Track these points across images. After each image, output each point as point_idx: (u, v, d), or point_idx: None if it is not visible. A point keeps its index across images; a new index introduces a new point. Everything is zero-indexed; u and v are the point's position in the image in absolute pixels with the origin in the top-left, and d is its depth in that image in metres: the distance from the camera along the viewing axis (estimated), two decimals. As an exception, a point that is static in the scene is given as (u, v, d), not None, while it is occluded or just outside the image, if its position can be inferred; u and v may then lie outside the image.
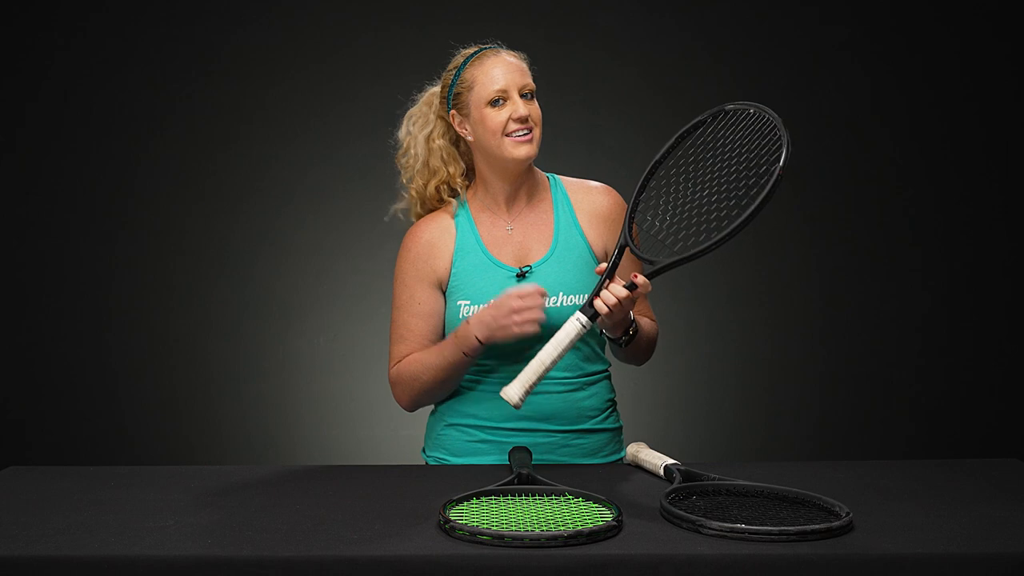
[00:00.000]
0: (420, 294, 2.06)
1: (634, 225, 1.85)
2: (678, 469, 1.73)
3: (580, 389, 2.06)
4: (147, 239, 3.81)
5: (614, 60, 3.82)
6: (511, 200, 2.09)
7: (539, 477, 1.70)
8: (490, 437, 2.04)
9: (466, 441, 2.07)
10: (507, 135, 1.99)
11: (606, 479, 1.81)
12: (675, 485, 1.64)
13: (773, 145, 1.68)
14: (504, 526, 1.47)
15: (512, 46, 2.08)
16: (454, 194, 2.12)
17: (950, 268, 3.82)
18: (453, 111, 2.06)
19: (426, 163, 2.12)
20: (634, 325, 1.95)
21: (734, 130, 1.77)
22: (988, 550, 1.41)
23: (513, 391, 1.73)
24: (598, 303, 1.76)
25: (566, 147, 3.61)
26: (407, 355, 2.06)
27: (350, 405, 3.84)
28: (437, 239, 2.08)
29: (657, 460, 1.82)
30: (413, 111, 2.16)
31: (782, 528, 1.43)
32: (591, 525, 1.46)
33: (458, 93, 2.04)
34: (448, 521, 1.46)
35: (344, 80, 3.81)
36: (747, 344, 3.87)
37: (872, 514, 1.54)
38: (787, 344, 3.87)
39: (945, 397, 3.83)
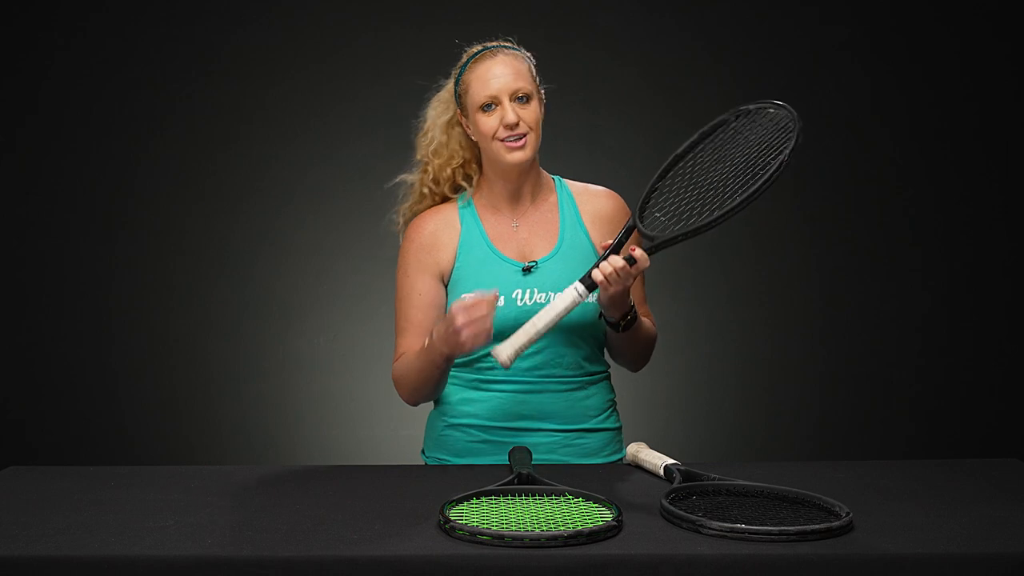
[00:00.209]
0: (421, 285, 2.07)
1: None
2: (678, 469, 1.73)
3: (581, 388, 2.06)
4: (147, 239, 3.81)
5: (614, 60, 3.82)
6: (515, 198, 2.09)
7: (539, 477, 1.70)
8: (490, 437, 2.05)
9: (466, 441, 2.07)
10: (499, 140, 2.00)
11: (606, 479, 1.81)
12: (675, 485, 1.65)
13: (784, 138, 1.70)
14: (504, 526, 1.47)
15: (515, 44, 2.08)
16: (467, 180, 2.12)
17: (950, 268, 3.82)
18: (458, 109, 2.08)
19: (445, 145, 2.12)
20: (633, 311, 1.95)
21: (751, 127, 1.79)
22: (988, 550, 1.41)
23: (503, 350, 1.74)
24: (595, 272, 1.78)
25: (566, 147, 3.61)
26: (406, 349, 2.06)
27: (350, 405, 3.84)
28: (441, 231, 2.09)
29: (657, 460, 1.82)
30: (440, 95, 2.15)
31: (782, 528, 1.43)
32: (591, 525, 1.46)
33: (460, 94, 2.06)
34: (448, 521, 1.46)
35: (344, 80, 3.81)
36: (747, 344, 3.87)
37: (872, 514, 1.54)
38: (787, 344, 3.86)
39: (945, 397, 3.83)
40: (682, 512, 1.50)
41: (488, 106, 2.00)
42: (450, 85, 2.12)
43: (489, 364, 2.04)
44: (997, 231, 3.82)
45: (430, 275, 2.07)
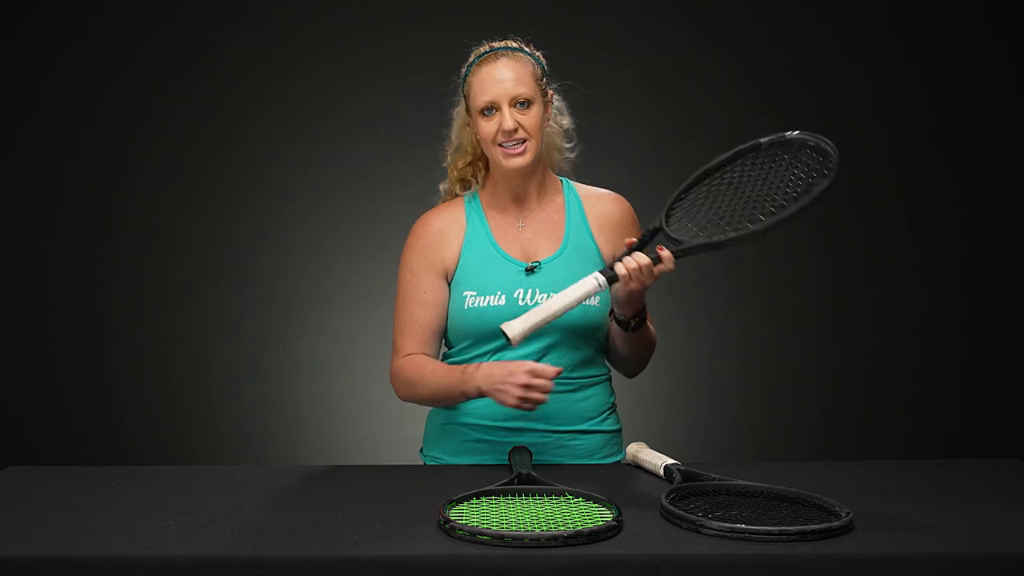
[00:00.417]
0: (426, 283, 2.07)
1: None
2: (678, 469, 1.73)
3: (578, 390, 2.06)
4: (147, 239, 3.81)
5: (614, 60, 3.82)
6: (521, 198, 2.09)
7: (539, 477, 1.70)
8: (486, 437, 2.05)
9: (462, 440, 2.07)
10: (498, 145, 2.00)
11: (606, 479, 1.81)
12: (675, 485, 1.65)
13: (821, 166, 1.69)
14: (504, 526, 1.47)
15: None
16: (475, 175, 2.13)
17: (950, 268, 3.82)
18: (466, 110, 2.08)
19: (460, 144, 2.14)
20: (644, 311, 1.95)
21: (788, 153, 1.76)
22: (988, 550, 1.41)
23: (515, 326, 1.72)
24: (619, 266, 1.77)
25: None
26: (411, 346, 2.06)
27: (350, 405, 3.84)
28: (447, 229, 2.09)
29: (657, 460, 1.82)
30: (460, 108, 2.15)
31: (782, 528, 1.44)
32: (591, 525, 1.46)
33: (464, 96, 2.07)
34: (448, 521, 1.46)
35: (344, 80, 3.81)
36: (747, 344, 3.87)
37: (872, 514, 1.54)
38: (787, 344, 3.86)
39: (945, 397, 3.83)
40: (682, 512, 1.50)
41: (488, 111, 2.00)
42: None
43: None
44: (997, 231, 3.82)
45: (435, 273, 2.07)
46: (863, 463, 1.93)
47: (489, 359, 2.02)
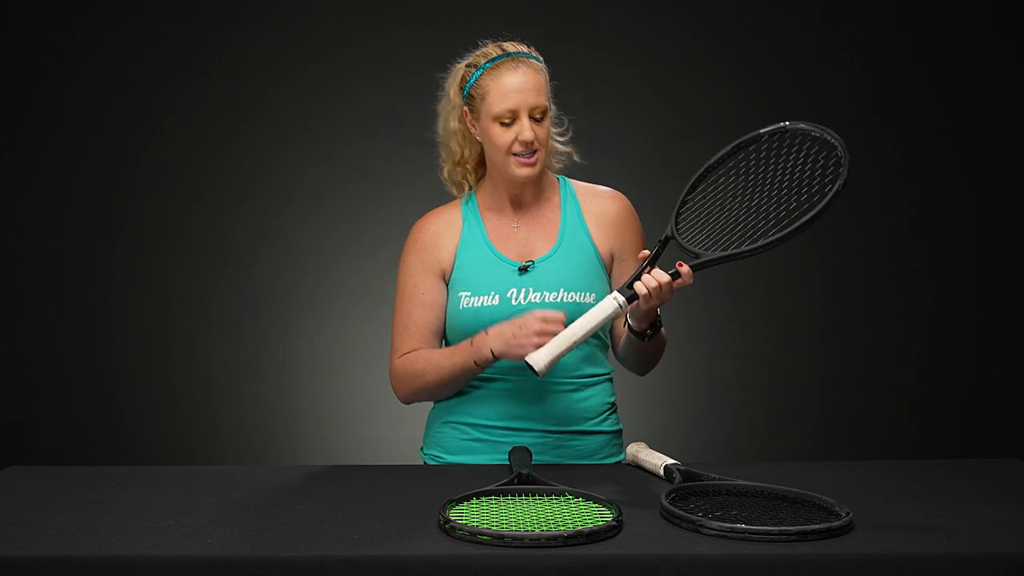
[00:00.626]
0: (424, 284, 2.07)
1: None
2: (678, 469, 1.73)
3: (578, 390, 2.06)
4: (147, 239, 3.81)
5: (614, 60, 3.82)
6: (518, 200, 2.09)
7: (539, 477, 1.70)
8: (485, 436, 2.05)
9: (461, 439, 2.07)
10: (512, 154, 1.99)
11: (606, 479, 1.81)
12: (675, 485, 1.65)
13: (831, 164, 1.68)
14: (504, 526, 1.47)
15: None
16: (466, 177, 2.12)
17: (950, 268, 3.82)
18: (466, 108, 2.05)
19: (447, 143, 2.12)
20: (659, 320, 1.94)
21: (793, 147, 1.76)
22: (988, 550, 1.41)
23: (540, 357, 1.71)
24: (638, 285, 1.75)
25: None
26: (410, 347, 2.06)
27: (350, 405, 3.84)
28: (443, 230, 2.09)
29: (657, 460, 1.82)
30: (446, 84, 2.11)
31: (782, 528, 1.44)
32: (591, 525, 1.46)
33: (471, 96, 2.03)
34: (448, 521, 1.46)
35: (344, 80, 3.81)
36: (747, 344, 3.87)
37: (872, 514, 1.54)
38: (787, 344, 3.86)
39: (945, 397, 3.83)
40: (682, 512, 1.50)
41: (506, 119, 1.98)
42: (454, 73, 2.09)
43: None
44: (997, 231, 3.82)
45: (432, 275, 2.07)
46: (863, 463, 1.93)
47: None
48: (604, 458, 2.09)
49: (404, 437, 3.47)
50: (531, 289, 2.01)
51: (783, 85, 3.79)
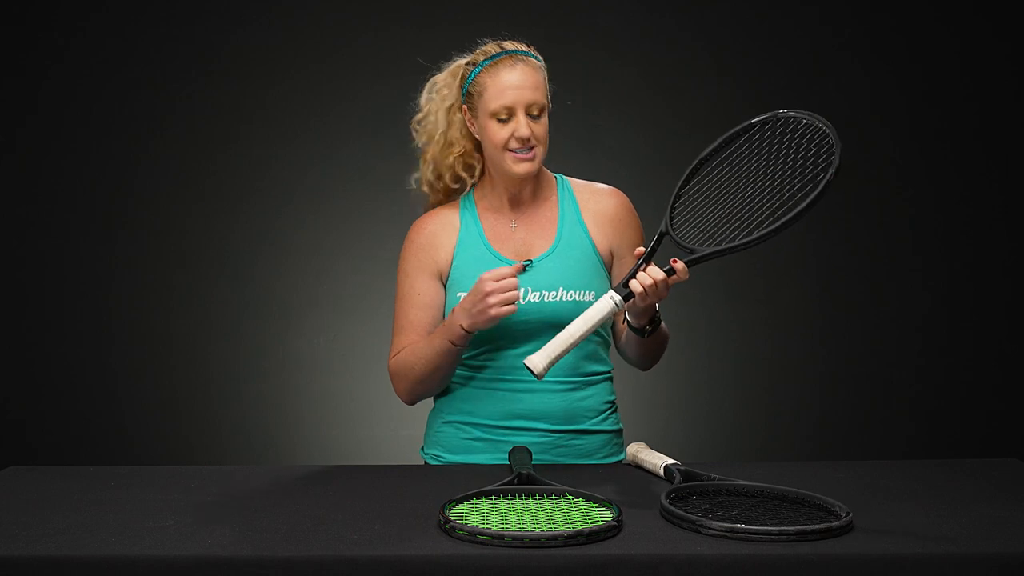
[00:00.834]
0: (421, 285, 2.07)
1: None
2: (678, 469, 1.73)
3: (578, 389, 2.06)
4: (147, 239, 3.81)
5: (614, 60, 3.82)
6: (516, 198, 2.09)
7: (539, 477, 1.70)
8: (485, 435, 2.05)
9: (461, 438, 2.07)
10: (509, 151, 1.99)
11: (606, 479, 1.81)
12: (675, 485, 1.65)
13: (823, 152, 1.68)
14: (504, 526, 1.47)
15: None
16: (469, 170, 2.11)
17: (950, 268, 3.82)
18: (465, 105, 2.06)
19: (445, 134, 2.10)
20: (658, 315, 1.94)
21: (785, 136, 1.76)
22: (988, 550, 1.41)
23: (538, 359, 1.71)
24: (634, 283, 1.75)
25: (566, 147, 3.61)
26: (406, 346, 2.06)
27: (350, 405, 3.84)
28: (440, 231, 2.09)
29: (657, 460, 1.82)
30: (438, 78, 2.12)
31: (782, 528, 1.43)
32: (591, 525, 1.46)
33: (470, 93, 2.03)
34: (448, 521, 1.46)
35: (344, 80, 3.81)
36: (747, 344, 3.87)
37: (872, 514, 1.54)
38: (787, 344, 3.86)
39: (945, 397, 3.83)
40: (682, 512, 1.50)
41: (503, 115, 1.98)
42: (453, 69, 2.09)
43: (481, 363, 2.04)
44: (997, 231, 3.82)
45: (429, 275, 2.07)
46: (863, 463, 1.93)
47: (486, 358, 2.02)
48: (604, 458, 2.09)
49: (404, 437, 3.47)
50: (529, 289, 2.01)
51: (783, 85, 3.78)
